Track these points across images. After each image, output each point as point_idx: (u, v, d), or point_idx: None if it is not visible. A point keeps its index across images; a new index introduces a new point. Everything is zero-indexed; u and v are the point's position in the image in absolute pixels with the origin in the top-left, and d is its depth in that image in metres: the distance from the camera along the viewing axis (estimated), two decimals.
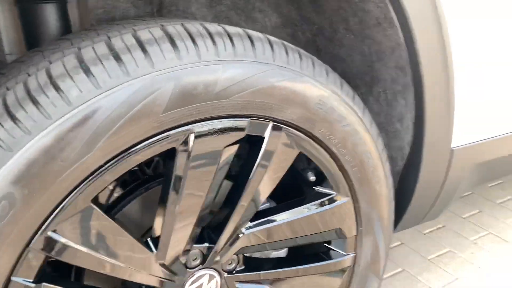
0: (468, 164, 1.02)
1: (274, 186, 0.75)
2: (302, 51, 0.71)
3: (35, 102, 0.52)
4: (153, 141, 0.60)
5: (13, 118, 0.51)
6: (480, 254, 1.57)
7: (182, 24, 0.62)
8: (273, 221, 0.78)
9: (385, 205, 0.89)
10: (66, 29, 0.82)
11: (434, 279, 1.45)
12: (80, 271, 0.71)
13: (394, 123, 0.99)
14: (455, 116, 0.92)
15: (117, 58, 0.55)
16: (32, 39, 0.81)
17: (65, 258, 0.58)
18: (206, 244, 0.75)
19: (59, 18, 0.81)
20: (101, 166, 0.56)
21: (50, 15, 0.81)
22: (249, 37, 0.65)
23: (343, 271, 0.90)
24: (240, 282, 0.81)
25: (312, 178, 0.81)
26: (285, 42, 0.70)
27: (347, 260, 0.89)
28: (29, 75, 0.55)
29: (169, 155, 0.64)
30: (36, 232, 0.55)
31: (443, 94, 0.88)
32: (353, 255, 0.89)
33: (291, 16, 1.03)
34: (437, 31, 0.80)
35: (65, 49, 0.59)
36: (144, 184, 0.74)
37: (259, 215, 0.78)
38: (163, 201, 0.66)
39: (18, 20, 0.80)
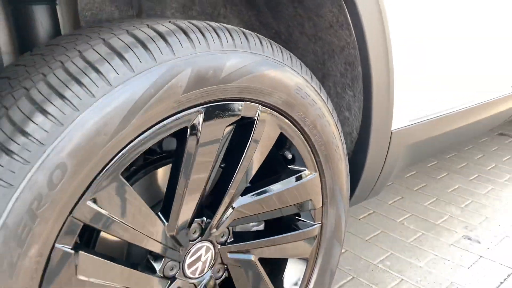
0: (403, 145, 1.22)
1: (260, 164, 0.87)
2: (281, 47, 0.85)
3: (79, 83, 0.59)
4: (171, 120, 0.69)
5: (62, 96, 0.58)
6: (407, 231, 1.81)
7: (189, 21, 0.72)
8: (261, 195, 0.89)
9: (344, 180, 1.05)
10: (55, 30, 0.88)
11: (373, 255, 1.64)
12: (90, 239, 0.76)
13: (344, 112, 1.15)
14: (394, 103, 1.11)
15: (144, 46, 0.64)
16: (24, 39, 0.85)
17: (99, 225, 0.65)
18: (204, 218, 0.84)
19: (49, 20, 0.87)
20: (131, 141, 0.64)
21: (40, 16, 0.86)
22: (243, 32, 0.77)
23: (313, 238, 1.03)
24: (231, 252, 0.91)
25: (289, 156, 0.94)
26: (269, 39, 0.83)
27: (316, 229, 1.03)
28: (62, 63, 0.62)
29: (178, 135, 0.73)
30: (78, 201, 0.61)
31: (385, 85, 1.06)
32: (320, 224, 1.04)
33: (251, 22, 1.16)
34: (382, 32, 0.98)
35: (87, 41, 0.66)
36: (148, 165, 0.82)
37: (247, 190, 0.89)
38: (174, 176, 0.75)
39: (10, 20, 0.84)
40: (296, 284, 1.03)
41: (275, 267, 1.04)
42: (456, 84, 1.34)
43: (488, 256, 1.64)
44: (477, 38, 1.40)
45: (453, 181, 2.28)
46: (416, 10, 1.12)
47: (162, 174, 0.83)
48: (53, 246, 0.60)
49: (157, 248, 0.76)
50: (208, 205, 0.85)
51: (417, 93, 1.21)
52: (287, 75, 0.82)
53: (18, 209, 0.55)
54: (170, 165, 0.81)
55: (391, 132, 1.16)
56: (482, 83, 1.48)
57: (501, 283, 1.50)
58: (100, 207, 0.64)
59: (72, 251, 0.63)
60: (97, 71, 0.60)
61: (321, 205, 1.02)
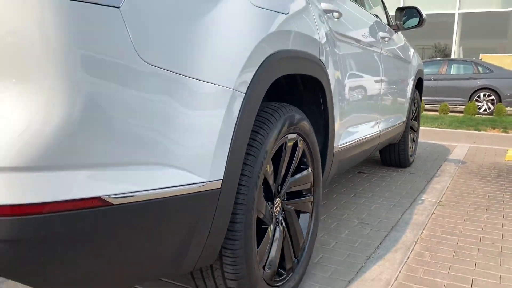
0: (337, 159, 2.45)
1: (297, 163, 1.98)
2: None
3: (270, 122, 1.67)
4: (284, 137, 1.78)
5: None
6: (327, 223, 3.01)
7: (285, 103, 1.85)
8: (295, 177, 2.00)
9: (321, 174, 2.21)
10: None
11: None
12: None
13: None
14: (337, 130, 2.34)
15: (277, 111, 1.74)
16: None
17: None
18: (279, 187, 1.90)
19: None
20: (278, 141, 1.72)
21: None
22: (296, 107, 1.92)
23: (311, 203, 2.15)
24: (286, 205, 1.97)
25: (304, 160, 2.07)
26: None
27: (311, 197, 2.15)
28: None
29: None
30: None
31: (333, 130, 2.29)
32: (312, 195, 2.16)
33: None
34: (332, 108, 2.22)
35: None
36: None
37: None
38: (276, 167, 1.82)
39: None
40: (305, 228, 2.13)
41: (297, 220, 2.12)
42: (360, 128, 2.67)
43: (375, 229, 2.92)
44: (374, 103, 2.77)
45: (341, 197, 3.61)
46: (343, 100, 2.42)
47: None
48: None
49: (274, 191, 1.80)
50: (281, 181, 1.92)
51: (342, 133, 2.48)
52: (307, 123, 1.99)
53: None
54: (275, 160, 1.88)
55: (334, 153, 2.38)
56: (373, 130, 2.86)
57: (383, 238, 2.77)
58: (268, 168, 1.69)
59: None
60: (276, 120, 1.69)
61: (313, 185, 2.15)
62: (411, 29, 3.93)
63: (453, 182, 4.24)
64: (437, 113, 12.37)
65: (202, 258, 1.42)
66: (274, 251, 1.84)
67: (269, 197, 1.80)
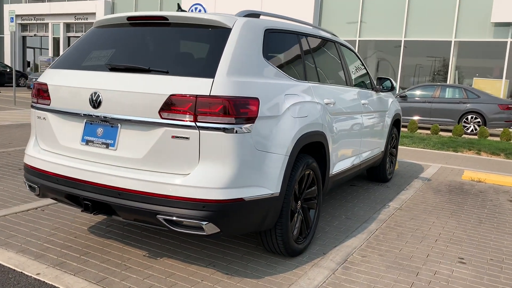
0: (332, 180, 4.38)
1: (310, 183, 3.92)
2: None
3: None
4: (304, 171, 3.72)
5: None
6: (324, 218, 4.94)
7: None
8: (308, 191, 3.94)
9: (321, 188, 4.14)
10: None
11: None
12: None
13: None
14: (331, 165, 4.29)
15: None
16: None
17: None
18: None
19: None
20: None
21: None
22: None
23: (315, 203, 4.08)
24: (302, 204, 3.90)
25: (313, 181, 4.00)
26: None
27: (315, 201, 4.08)
28: None
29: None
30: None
31: (329, 162, 4.22)
32: (317, 199, 4.09)
33: None
34: (328, 149, 4.15)
35: None
36: None
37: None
38: (300, 186, 3.76)
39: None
40: (312, 217, 4.06)
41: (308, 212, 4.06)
42: (348, 160, 4.61)
43: (354, 222, 4.84)
44: (358, 143, 4.71)
45: (337, 202, 5.53)
46: (336, 149, 4.37)
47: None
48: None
49: (298, 197, 3.74)
50: (301, 193, 3.85)
51: (334, 166, 4.42)
52: (315, 163, 3.92)
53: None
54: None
55: (330, 176, 4.33)
56: (355, 161, 4.79)
57: (358, 227, 4.69)
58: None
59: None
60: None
61: (317, 195, 4.08)
62: (387, 91, 5.89)
63: (415, 195, 6.16)
64: (429, 131, 14.24)
65: (268, 225, 3.37)
66: (298, 226, 3.78)
67: (296, 200, 3.74)
